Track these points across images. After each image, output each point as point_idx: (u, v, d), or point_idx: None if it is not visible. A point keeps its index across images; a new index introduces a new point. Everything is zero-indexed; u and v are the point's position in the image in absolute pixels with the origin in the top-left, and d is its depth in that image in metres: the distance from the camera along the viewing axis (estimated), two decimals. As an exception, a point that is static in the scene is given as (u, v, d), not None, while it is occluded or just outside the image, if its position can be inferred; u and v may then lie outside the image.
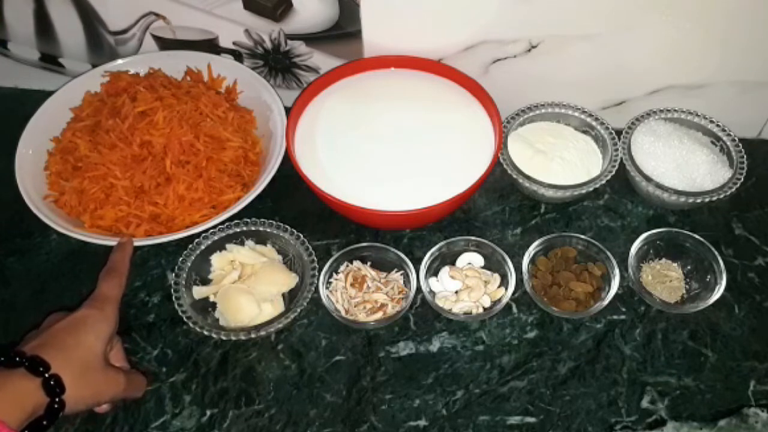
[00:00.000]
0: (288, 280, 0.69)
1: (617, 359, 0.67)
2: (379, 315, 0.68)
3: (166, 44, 0.84)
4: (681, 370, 0.66)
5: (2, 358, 0.52)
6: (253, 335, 0.65)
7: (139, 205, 0.72)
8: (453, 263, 0.73)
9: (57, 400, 0.51)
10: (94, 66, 0.84)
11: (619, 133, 0.78)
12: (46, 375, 0.51)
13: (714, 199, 0.73)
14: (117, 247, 0.67)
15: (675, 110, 0.80)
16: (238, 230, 0.71)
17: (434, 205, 0.67)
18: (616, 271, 0.70)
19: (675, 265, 0.73)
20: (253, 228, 0.71)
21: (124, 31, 0.82)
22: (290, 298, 0.70)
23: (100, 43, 0.84)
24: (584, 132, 0.81)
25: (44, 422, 0.51)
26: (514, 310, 0.70)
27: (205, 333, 0.64)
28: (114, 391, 0.57)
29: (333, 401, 0.65)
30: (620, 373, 0.66)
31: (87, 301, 0.60)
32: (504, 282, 0.70)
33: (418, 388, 0.66)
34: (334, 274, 0.71)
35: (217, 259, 0.71)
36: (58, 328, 0.56)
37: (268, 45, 0.81)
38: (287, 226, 0.71)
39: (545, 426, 0.63)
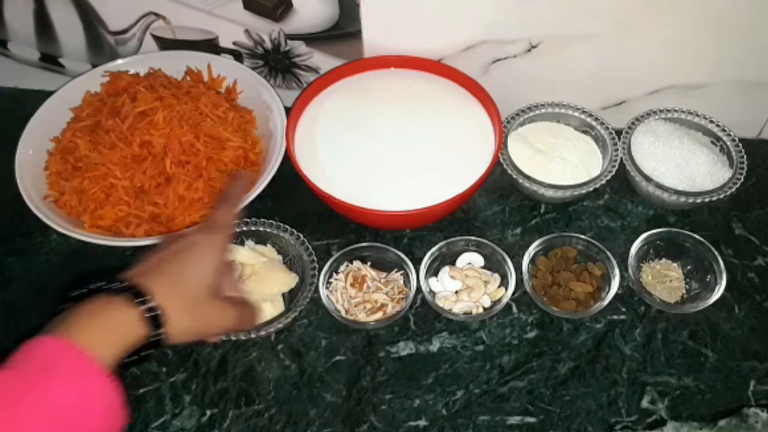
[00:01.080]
0: (288, 280, 0.69)
1: (617, 359, 0.67)
2: (379, 315, 0.68)
3: (166, 44, 0.84)
4: (681, 370, 0.66)
5: (103, 284, 0.47)
6: (253, 335, 0.65)
7: (139, 205, 0.72)
8: (453, 263, 0.73)
9: (157, 332, 0.47)
10: (94, 66, 0.84)
11: (619, 133, 0.78)
12: (148, 305, 0.47)
13: (714, 199, 0.73)
14: (233, 179, 0.64)
15: (675, 110, 0.80)
16: (238, 230, 0.71)
17: (434, 205, 0.67)
18: (616, 271, 0.70)
19: (675, 265, 0.73)
20: (253, 228, 0.71)
21: (124, 31, 0.82)
22: (290, 298, 0.70)
23: (100, 43, 0.84)
24: (584, 132, 0.81)
25: (143, 354, 0.47)
26: (514, 310, 0.70)
27: (205, 333, 0.64)
28: (222, 324, 0.53)
29: (333, 401, 0.65)
30: (620, 373, 0.66)
31: (198, 227, 0.55)
32: (504, 282, 0.70)
33: (418, 388, 0.66)
34: (334, 274, 0.71)
35: (217, 259, 0.71)
36: (164, 257, 0.51)
37: (268, 45, 0.81)
38: (287, 226, 0.71)
39: (545, 426, 0.63)
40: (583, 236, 0.72)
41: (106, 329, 0.45)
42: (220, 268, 0.53)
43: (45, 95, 0.80)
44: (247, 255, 0.70)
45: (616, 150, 0.77)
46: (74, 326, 0.44)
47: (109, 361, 0.44)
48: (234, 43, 0.82)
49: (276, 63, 0.84)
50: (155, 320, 0.47)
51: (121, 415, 0.44)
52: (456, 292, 0.70)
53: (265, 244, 0.72)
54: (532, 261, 0.72)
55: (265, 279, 0.68)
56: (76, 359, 0.42)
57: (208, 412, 0.64)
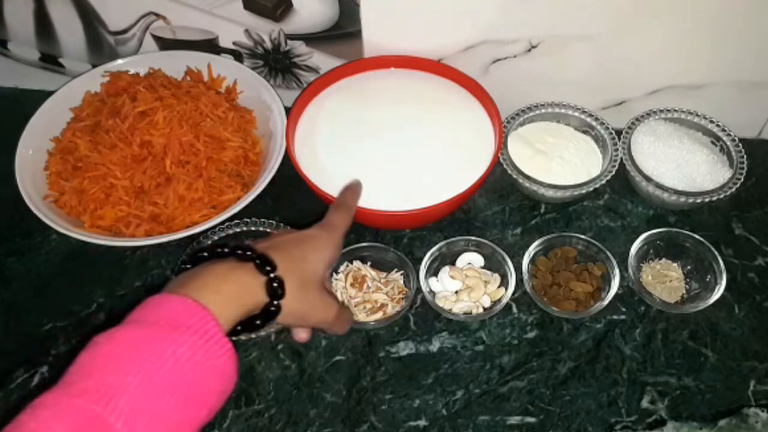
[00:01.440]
0: (288, 280, 0.69)
1: (617, 359, 0.67)
2: (379, 315, 0.68)
3: (166, 44, 0.84)
4: (681, 370, 0.66)
5: (237, 250, 0.49)
6: (253, 335, 0.65)
7: (139, 205, 0.72)
8: (453, 263, 0.73)
9: (275, 303, 0.49)
10: (94, 66, 0.84)
11: (619, 133, 0.78)
12: (272, 275, 0.49)
13: (714, 199, 0.73)
14: (348, 187, 0.66)
15: (675, 110, 0.80)
16: (238, 230, 0.71)
17: (434, 205, 0.67)
18: (616, 271, 0.70)
19: (675, 265, 0.73)
20: (253, 228, 0.71)
21: (124, 31, 0.82)
22: (290, 298, 0.70)
23: (100, 43, 0.84)
24: (584, 132, 0.81)
25: (257, 322, 0.49)
26: (514, 310, 0.70)
27: (205, 333, 0.64)
28: (324, 315, 0.54)
29: (333, 401, 0.65)
30: (620, 373, 0.66)
31: (316, 226, 0.58)
32: (504, 282, 0.70)
33: (418, 388, 0.66)
34: (334, 274, 0.71)
35: (217, 259, 0.71)
36: (288, 239, 0.54)
37: (268, 45, 0.81)
38: (287, 226, 0.71)
39: (545, 426, 0.63)
40: (583, 236, 0.72)
41: (231, 293, 0.47)
42: (331, 264, 0.57)
43: (45, 95, 0.80)
44: (247, 255, 0.70)
45: (616, 150, 0.77)
46: (202, 287, 0.46)
47: (229, 325, 0.46)
48: (234, 43, 0.82)
49: (276, 63, 0.84)
50: (275, 291, 0.49)
51: (233, 382, 0.45)
52: (456, 292, 0.70)
53: (265, 244, 0.72)
54: (532, 261, 0.72)
55: (265, 279, 0.68)
56: (203, 320, 0.43)
57: (208, 412, 0.64)
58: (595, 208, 0.78)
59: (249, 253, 0.49)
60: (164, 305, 0.44)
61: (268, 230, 0.71)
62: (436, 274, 0.72)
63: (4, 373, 0.67)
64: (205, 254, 0.50)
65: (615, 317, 0.70)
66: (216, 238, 0.70)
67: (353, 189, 0.66)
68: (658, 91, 0.80)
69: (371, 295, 0.69)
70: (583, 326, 0.69)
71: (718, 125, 0.78)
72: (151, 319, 0.43)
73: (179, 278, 0.48)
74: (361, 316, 0.68)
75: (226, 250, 0.50)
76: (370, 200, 0.68)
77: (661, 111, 0.80)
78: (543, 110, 0.81)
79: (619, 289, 0.69)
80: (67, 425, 0.38)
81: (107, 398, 0.38)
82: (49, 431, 0.38)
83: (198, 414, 0.42)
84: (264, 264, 0.49)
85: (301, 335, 0.56)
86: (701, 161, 0.76)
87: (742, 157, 0.76)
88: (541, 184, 0.74)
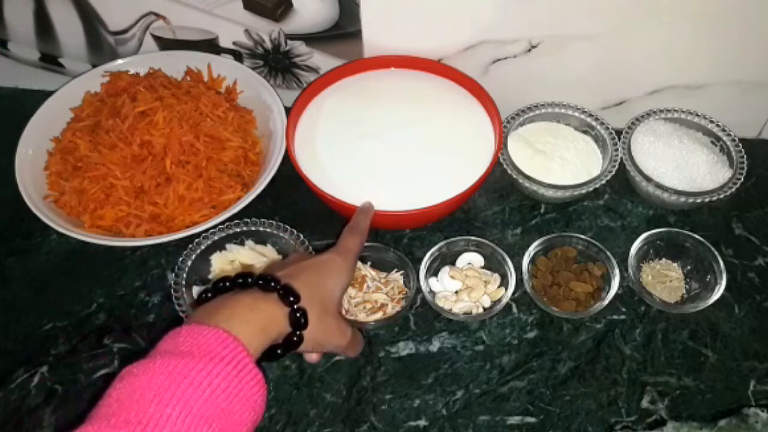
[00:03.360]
0: (288, 280, 0.69)
1: (617, 359, 0.67)
2: (379, 315, 0.68)
3: (166, 44, 0.84)
4: (681, 370, 0.66)
5: (260, 281, 0.50)
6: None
7: (139, 205, 0.72)
8: (453, 263, 0.73)
9: (298, 333, 0.50)
10: (94, 66, 0.84)
11: (619, 133, 0.78)
12: (295, 306, 0.50)
13: (714, 199, 0.73)
14: (361, 210, 0.66)
15: (675, 110, 0.80)
16: (238, 230, 0.71)
17: (434, 205, 0.67)
18: (616, 271, 0.70)
19: (675, 265, 0.73)
20: (253, 228, 0.71)
21: (124, 31, 0.82)
22: (290, 298, 0.70)
23: (100, 43, 0.84)
24: (584, 132, 0.81)
25: (278, 351, 0.50)
26: (514, 310, 0.70)
27: (205, 333, 0.64)
28: (339, 341, 0.55)
29: (333, 401, 0.65)
30: (620, 373, 0.66)
31: (330, 251, 0.59)
32: (504, 282, 0.70)
33: (418, 388, 0.66)
34: (334, 274, 0.71)
35: (217, 259, 0.71)
36: (306, 265, 0.55)
37: (268, 45, 0.81)
38: (287, 226, 0.71)
39: (545, 426, 0.63)
40: (583, 236, 0.72)
41: (259, 323, 0.47)
42: (346, 289, 0.58)
43: (45, 95, 0.80)
44: (247, 255, 0.70)
45: (616, 150, 0.77)
46: (231, 318, 0.46)
47: (257, 354, 0.47)
48: (234, 43, 0.82)
49: (276, 63, 0.84)
50: (298, 322, 0.50)
51: (262, 413, 0.46)
52: (456, 292, 0.70)
53: (265, 244, 0.72)
54: (532, 261, 0.72)
55: (265, 279, 0.68)
56: (235, 350, 0.44)
57: (208, 412, 0.64)
58: (595, 208, 0.78)
59: (272, 283, 0.50)
60: (196, 335, 0.44)
61: (268, 230, 0.71)
62: (436, 274, 0.72)
63: (4, 373, 0.67)
64: (227, 284, 0.51)
65: (615, 317, 0.70)
66: (216, 238, 0.70)
67: (366, 211, 0.66)
68: (658, 91, 0.80)
69: (371, 295, 0.69)
70: (583, 326, 0.69)
71: (718, 125, 0.78)
72: (184, 349, 0.43)
73: (205, 308, 0.49)
74: (361, 316, 0.68)
75: (249, 280, 0.50)
76: (370, 200, 0.68)
77: (661, 111, 0.80)
78: (543, 110, 0.81)
79: (619, 289, 0.69)
80: None
81: (150, 430, 0.39)
82: None
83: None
84: (287, 295, 0.50)
85: (313, 357, 0.57)
86: (701, 161, 0.76)
87: (742, 157, 0.76)
88: (541, 184, 0.74)
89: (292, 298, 0.50)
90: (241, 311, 0.47)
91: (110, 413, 0.40)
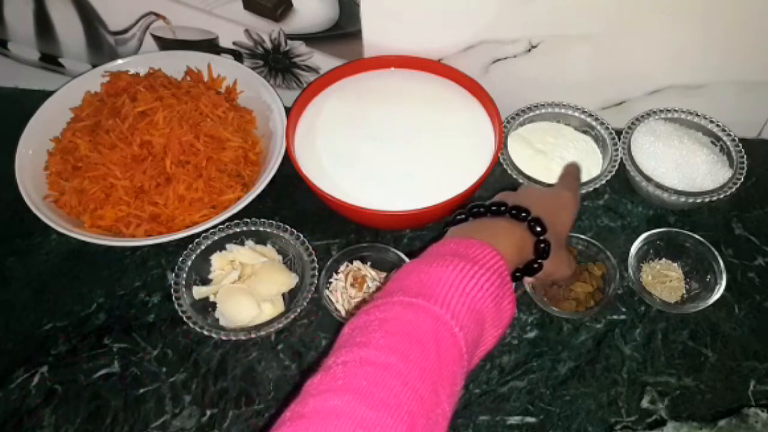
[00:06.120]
0: (288, 280, 0.69)
1: (617, 359, 0.67)
2: (379, 315, 0.68)
3: (166, 44, 0.84)
4: (681, 370, 0.66)
5: (513, 211, 0.54)
6: (253, 335, 0.65)
7: (139, 205, 0.72)
8: (453, 263, 0.73)
9: (539, 261, 0.54)
10: (94, 66, 0.84)
11: (619, 133, 0.78)
12: (542, 238, 0.54)
13: (714, 199, 0.73)
14: (570, 163, 0.70)
15: (675, 110, 0.80)
16: (238, 230, 0.71)
17: (434, 205, 0.67)
18: (616, 271, 0.70)
19: (675, 265, 0.73)
20: (253, 228, 0.71)
21: (124, 31, 0.82)
22: (290, 298, 0.70)
23: (100, 43, 0.84)
24: (584, 132, 0.81)
25: (517, 274, 0.54)
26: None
27: (205, 333, 0.64)
28: (565, 272, 0.59)
29: (333, 401, 0.65)
30: (620, 373, 0.66)
31: (558, 185, 0.64)
32: (504, 282, 0.70)
33: (418, 388, 0.66)
34: (334, 274, 0.71)
35: (217, 259, 0.71)
36: (543, 198, 0.58)
37: (268, 45, 0.81)
38: (287, 226, 0.71)
39: (545, 426, 0.63)
40: (583, 236, 0.72)
41: (516, 246, 0.52)
42: (574, 226, 0.61)
43: (45, 95, 0.80)
44: (247, 255, 0.70)
45: (616, 150, 0.77)
46: (492, 237, 0.50)
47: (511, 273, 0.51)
48: (234, 43, 0.82)
49: (276, 63, 0.84)
50: (542, 252, 0.54)
51: (506, 329, 0.49)
52: (456, 292, 0.70)
53: (265, 244, 0.72)
54: (532, 261, 0.72)
55: (264, 279, 0.68)
56: (502, 266, 0.48)
57: (208, 412, 0.64)
58: (595, 208, 0.78)
59: (523, 214, 0.54)
60: (473, 246, 0.48)
61: (268, 230, 0.71)
62: (436, 274, 0.72)
63: (4, 373, 0.67)
64: (482, 209, 0.55)
65: (615, 317, 0.70)
66: (216, 238, 0.70)
67: (574, 164, 0.70)
68: (658, 91, 0.80)
69: (371, 295, 0.69)
70: (583, 326, 0.69)
71: (718, 125, 0.78)
72: (463, 253, 0.47)
73: (462, 227, 0.54)
74: (361, 316, 0.68)
75: (503, 208, 0.55)
76: (370, 200, 0.68)
77: (661, 111, 0.80)
78: (543, 110, 0.81)
79: (619, 289, 0.69)
80: (414, 314, 0.43)
81: (444, 305, 0.43)
82: (401, 316, 0.43)
83: (490, 347, 0.48)
84: (536, 225, 0.54)
85: (529, 280, 0.61)
86: (701, 161, 0.76)
87: (742, 157, 0.76)
88: (541, 184, 0.74)
89: (539, 229, 0.54)
90: (502, 233, 0.52)
91: (405, 287, 0.45)
